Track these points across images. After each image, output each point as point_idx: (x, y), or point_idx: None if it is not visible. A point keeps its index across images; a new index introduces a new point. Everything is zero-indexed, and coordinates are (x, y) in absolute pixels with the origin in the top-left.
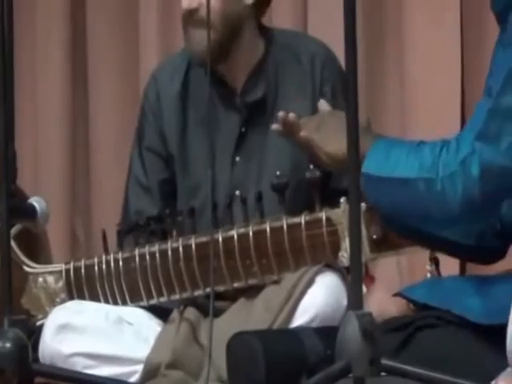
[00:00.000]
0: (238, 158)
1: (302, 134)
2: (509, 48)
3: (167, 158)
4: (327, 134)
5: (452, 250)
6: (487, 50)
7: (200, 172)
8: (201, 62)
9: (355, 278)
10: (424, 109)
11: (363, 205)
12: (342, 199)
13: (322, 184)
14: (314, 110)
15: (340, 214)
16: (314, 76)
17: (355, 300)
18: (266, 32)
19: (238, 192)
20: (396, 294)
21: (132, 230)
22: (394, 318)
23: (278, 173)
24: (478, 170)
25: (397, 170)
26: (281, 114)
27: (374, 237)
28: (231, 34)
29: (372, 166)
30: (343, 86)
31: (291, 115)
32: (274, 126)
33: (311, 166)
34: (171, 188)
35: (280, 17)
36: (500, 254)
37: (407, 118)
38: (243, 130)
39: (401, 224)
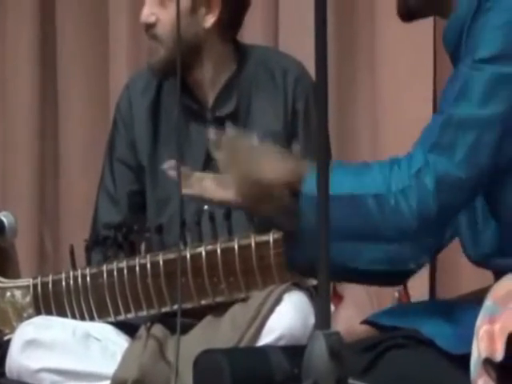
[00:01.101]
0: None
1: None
2: (461, 66)
3: (138, 170)
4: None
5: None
6: None
7: (170, 185)
8: (153, 73)
9: (323, 296)
10: (396, 122)
11: None
12: None
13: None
14: (287, 125)
15: None
16: (287, 92)
17: (323, 319)
18: (239, 48)
19: (206, 207)
20: (363, 322)
21: (100, 243)
22: (362, 339)
23: None
24: (433, 182)
25: (342, 188)
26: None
27: None
28: (186, 52)
29: (313, 186)
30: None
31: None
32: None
33: None
34: (141, 200)
35: (251, 33)
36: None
37: (379, 132)
38: None
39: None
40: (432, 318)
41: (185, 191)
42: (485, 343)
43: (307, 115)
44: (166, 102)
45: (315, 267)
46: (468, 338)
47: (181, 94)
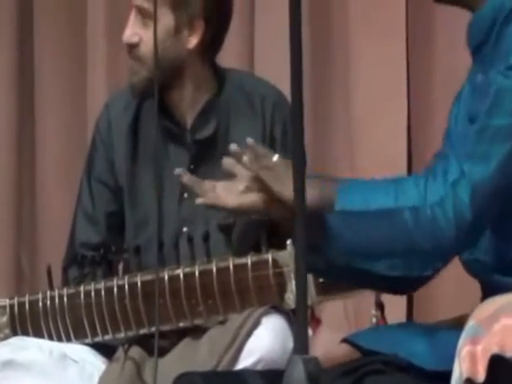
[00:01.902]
0: (185, 195)
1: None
2: (489, 72)
3: (116, 190)
4: (278, 175)
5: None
6: (433, 86)
7: (148, 206)
8: (134, 94)
9: (301, 321)
10: (371, 141)
11: None
12: (289, 241)
13: (269, 225)
14: None
15: (286, 256)
16: (265, 117)
17: (301, 344)
18: (219, 72)
19: (185, 229)
20: (343, 341)
21: (77, 262)
22: (341, 363)
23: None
24: (469, 191)
25: (376, 201)
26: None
27: (321, 280)
28: (167, 73)
29: (346, 202)
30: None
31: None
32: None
33: None
34: (119, 220)
35: (227, 58)
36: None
37: (355, 152)
38: (192, 166)
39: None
40: (409, 338)
41: (199, 201)
42: (467, 364)
43: (285, 141)
44: (145, 123)
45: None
46: (446, 356)
47: (160, 116)
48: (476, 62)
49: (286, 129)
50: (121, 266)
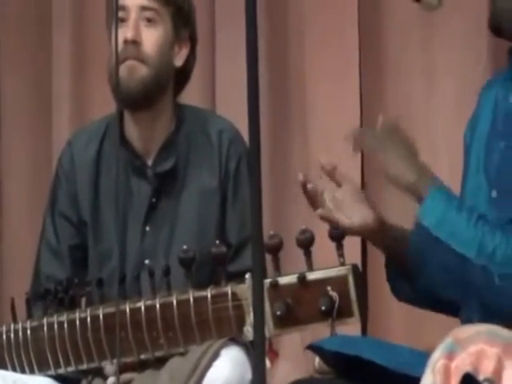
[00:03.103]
0: (147, 228)
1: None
2: None
3: (79, 224)
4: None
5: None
6: None
7: (111, 240)
8: (134, 97)
9: (259, 353)
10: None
11: (267, 281)
12: (247, 275)
13: (227, 259)
14: (221, 183)
15: (245, 289)
16: (221, 151)
17: (259, 375)
18: (178, 108)
19: (147, 261)
20: (307, 347)
21: (41, 296)
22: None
23: (184, 247)
24: None
25: (455, 238)
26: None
27: (278, 313)
28: (160, 79)
29: (430, 219)
30: (248, 163)
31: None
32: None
33: (217, 242)
34: (82, 254)
35: (189, 94)
36: None
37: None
38: (154, 200)
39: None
40: (370, 344)
41: (320, 212)
42: (441, 376)
43: (237, 176)
44: (107, 158)
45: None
46: (403, 362)
47: (122, 150)
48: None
49: (241, 164)
50: (84, 299)
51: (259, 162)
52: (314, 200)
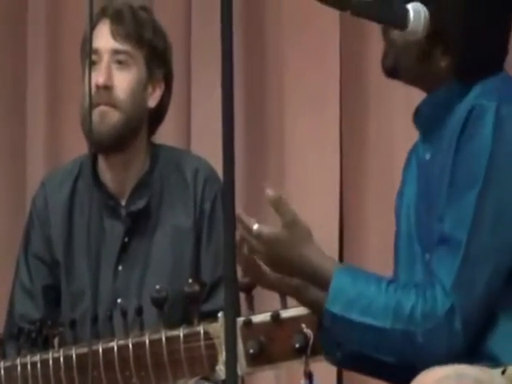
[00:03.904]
0: (120, 268)
1: None
2: (465, 194)
3: (52, 265)
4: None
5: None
6: (366, 157)
7: (84, 280)
8: (105, 142)
9: None
10: (304, 218)
11: (240, 319)
12: (220, 314)
13: (200, 298)
14: (196, 223)
15: (218, 328)
16: (196, 191)
17: None
18: (152, 148)
19: (119, 300)
20: None
21: (15, 336)
22: None
23: (157, 286)
24: (461, 323)
25: (368, 314)
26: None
27: (251, 351)
28: (134, 124)
29: (338, 304)
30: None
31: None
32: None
33: (190, 280)
34: (56, 294)
35: (164, 132)
36: None
37: None
38: (126, 239)
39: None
40: None
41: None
42: None
43: (212, 215)
44: (80, 198)
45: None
46: None
47: (95, 190)
48: (424, 139)
49: (216, 203)
50: (57, 339)
51: (233, 200)
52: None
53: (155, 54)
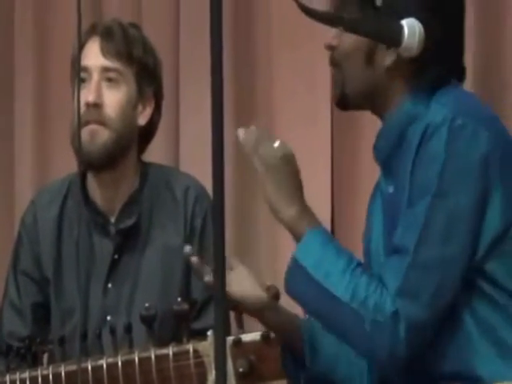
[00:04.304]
0: (110, 285)
1: None
2: (416, 204)
3: (42, 282)
4: (273, 180)
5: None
6: (357, 187)
7: (74, 297)
8: (95, 161)
9: None
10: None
11: (230, 338)
12: (209, 332)
13: (189, 316)
14: (186, 240)
15: (207, 346)
16: (187, 208)
17: None
18: (142, 166)
19: (109, 317)
20: None
21: (3, 353)
22: None
23: (146, 304)
24: (404, 329)
25: (329, 279)
26: None
27: (241, 370)
28: (124, 143)
29: (306, 258)
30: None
31: None
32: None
33: (179, 299)
34: (45, 311)
35: (152, 150)
36: None
37: (278, 249)
38: (116, 257)
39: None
40: None
41: (207, 279)
42: None
43: (203, 232)
44: (70, 216)
45: None
46: None
47: (84, 207)
48: (385, 173)
49: (206, 221)
50: (46, 356)
51: (223, 217)
52: (199, 271)
53: (145, 71)
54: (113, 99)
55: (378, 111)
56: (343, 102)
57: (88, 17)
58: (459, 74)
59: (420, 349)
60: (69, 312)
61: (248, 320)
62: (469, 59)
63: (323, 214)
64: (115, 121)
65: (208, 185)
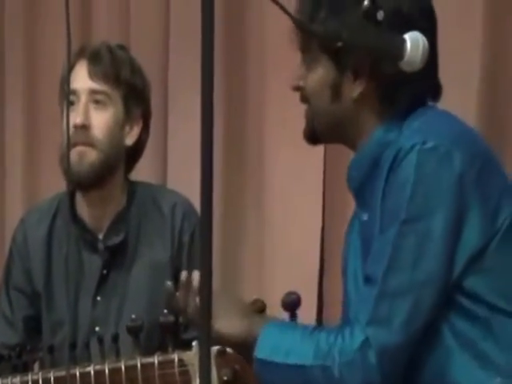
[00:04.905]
0: (99, 298)
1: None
2: (386, 231)
3: (33, 296)
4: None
5: None
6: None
7: (64, 309)
8: (84, 181)
9: None
10: (283, 259)
11: (214, 348)
12: (194, 342)
13: (174, 328)
14: (174, 256)
15: (192, 355)
16: (174, 225)
17: None
18: (129, 185)
19: (97, 328)
20: None
21: None
22: None
23: (133, 316)
24: (375, 356)
25: (291, 355)
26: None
27: (225, 378)
28: (112, 163)
29: (265, 351)
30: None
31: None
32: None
33: (165, 311)
34: (36, 324)
35: (140, 173)
36: None
37: (265, 267)
38: (104, 272)
39: None
40: None
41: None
42: None
43: (191, 249)
44: (59, 233)
45: None
46: None
47: (73, 225)
48: (359, 202)
49: (194, 237)
50: (37, 365)
51: (211, 233)
52: (182, 307)
53: (133, 93)
54: (100, 121)
55: (351, 143)
56: (312, 136)
57: (77, 38)
58: (435, 92)
59: (394, 374)
60: (59, 323)
61: None
62: (476, 57)
63: (313, 240)
64: (102, 142)
65: (196, 200)
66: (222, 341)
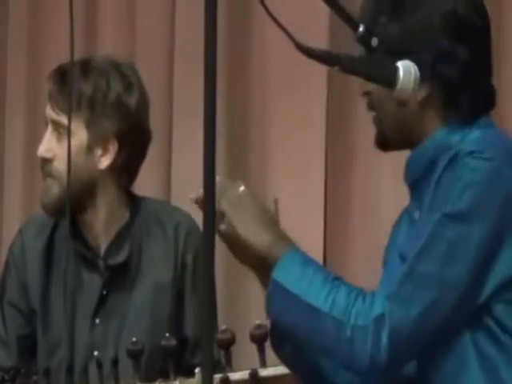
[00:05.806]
0: (97, 320)
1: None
2: (430, 216)
3: (28, 314)
4: (242, 216)
5: None
6: (350, 223)
7: (61, 330)
8: (46, 212)
9: None
10: None
11: (217, 376)
12: (197, 369)
13: (177, 352)
14: (176, 277)
15: (194, 383)
16: (178, 244)
17: None
18: (132, 200)
19: (96, 352)
20: None
21: None
22: None
23: (134, 339)
24: (388, 334)
25: (309, 293)
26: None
27: None
28: (79, 193)
29: (285, 276)
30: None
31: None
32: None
33: (167, 334)
34: (31, 343)
35: (144, 187)
36: None
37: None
38: (104, 292)
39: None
40: None
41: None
42: None
43: (195, 268)
44: (58, 248)
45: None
46: None
47: (73, 241)
48: (413, 197)
49: (198, 257)
50: None
51: (213, 254)
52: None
53: (95, 116)
54: (63, 151)
55: (414, 146)
56: (382, 141)
57: (81, 46)
58: (492, 97)
59: (401, 362)
60: (55, 345)
61: (236, 358)
62: None
63: (315, 245)
64: (64, 174)
65: (200, 214)
66: (239, 248)
